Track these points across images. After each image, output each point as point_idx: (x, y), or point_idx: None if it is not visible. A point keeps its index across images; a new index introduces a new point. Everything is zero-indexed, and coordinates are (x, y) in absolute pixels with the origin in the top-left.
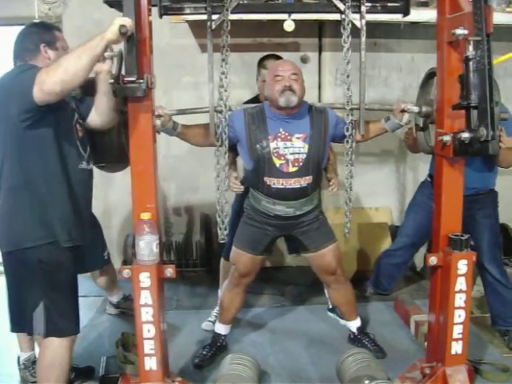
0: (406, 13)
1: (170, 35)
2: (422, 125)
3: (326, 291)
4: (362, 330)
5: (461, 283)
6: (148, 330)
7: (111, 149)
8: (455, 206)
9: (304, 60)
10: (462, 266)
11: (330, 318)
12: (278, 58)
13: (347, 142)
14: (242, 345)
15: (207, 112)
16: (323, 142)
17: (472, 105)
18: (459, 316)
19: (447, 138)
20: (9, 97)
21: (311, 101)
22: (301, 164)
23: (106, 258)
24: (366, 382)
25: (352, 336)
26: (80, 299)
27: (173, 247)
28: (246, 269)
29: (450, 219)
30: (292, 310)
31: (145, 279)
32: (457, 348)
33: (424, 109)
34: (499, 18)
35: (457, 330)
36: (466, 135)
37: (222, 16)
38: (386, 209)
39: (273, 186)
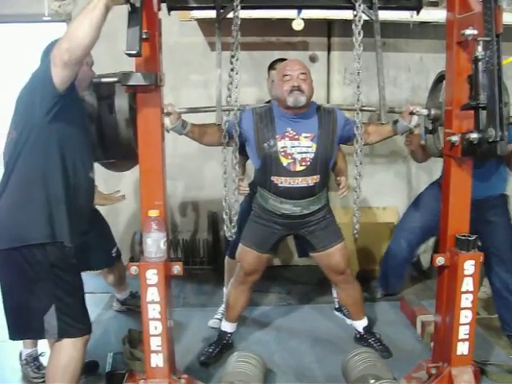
0: (419, 9)
1: (178, 33)
2: (430, 128)
3: (333, 290)
4: (368, 329)
5: (467, 284)
6: (155, 327)
7: (120, 144)
8: (463, 207)
9: (313, 59)
10: (469, 266)
11: (337, 318)
12: None
13: (356, 141)
14: (248, 343)
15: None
16: (331, 142)
17: (481, 105)
18: (466, 316)
19: (455, 139)
20: (33, 88)
21: (319, 100)
22: (308, 163)
23: (113, 255)
24: (372, 381)
25: (358, 335)
26: (87, 296)
27: (180, 245)
28: (252, 267)
29: (458, 219)
30: (298, 308)
31: (152, 276)
32: (463, 349)
33: (433, 111)
34: (509, 18)
35: (463, 331)
36: (474, 135)
37: (232, 9)
38: (393, 208)
39: (280, 184)
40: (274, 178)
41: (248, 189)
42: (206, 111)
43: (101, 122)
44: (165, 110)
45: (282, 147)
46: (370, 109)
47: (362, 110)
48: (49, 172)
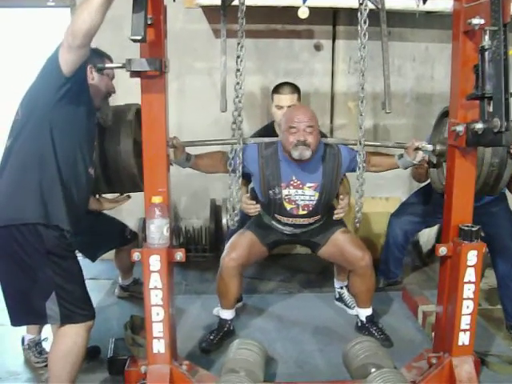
0: None
1: (183, 20)
2: (435, 162)
3: (335, 280)
4: (371, 319)
5: (470, 274)
6: (157, 313)
7: (123, 179)
8: (466, 197)
9: (317, 47)
10: (472, 256)
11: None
12: (292, 85)
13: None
14: (249, 330)
15: (223, 144)
16: (334, 187)
17: (487, 95)
18: (467, 307)
19: (460, 129)
20: (44, 69)
21: (324, 88)
22: (310, 209)
23: (128, 237)
24: (373, 370)
25: (360, 324)
26: (89, 282)
27: (182, 233)
28: (242, 251)
29: (461, 210)
30: (299, 296)
31: (155, 262)
32: (464, 339)
33: (438, 147)
34: None
35: (464, 321)
36: (479, 126)
37: None
38: (396, 199)
39: (283, 221)
40: (278, 216)
41: (259, 206)
42: (210, 144)
43: (105, 153)
44: (169, 143)
45: (287, 195)
46: (371, 143)
47: (365, 145)
48: (45, 156)
